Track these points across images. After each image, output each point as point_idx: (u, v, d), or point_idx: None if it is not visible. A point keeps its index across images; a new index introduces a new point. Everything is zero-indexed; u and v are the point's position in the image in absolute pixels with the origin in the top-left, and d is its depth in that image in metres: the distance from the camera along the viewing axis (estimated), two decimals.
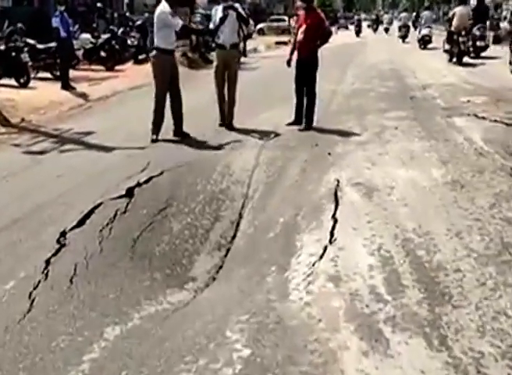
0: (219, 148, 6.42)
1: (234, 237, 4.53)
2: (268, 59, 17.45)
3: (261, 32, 33.15)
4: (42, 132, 7.72)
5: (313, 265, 3.29)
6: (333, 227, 3.81)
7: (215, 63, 7.35)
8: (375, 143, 6.11)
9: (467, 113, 7.37)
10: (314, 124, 7.26)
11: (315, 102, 7.17)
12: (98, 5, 20.66)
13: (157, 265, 3.74)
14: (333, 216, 4.01)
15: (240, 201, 5.07)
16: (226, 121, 7.39)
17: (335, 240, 3.58)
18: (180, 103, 6.98)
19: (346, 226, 3.77)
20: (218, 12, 7.11)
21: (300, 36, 7.05)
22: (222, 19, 6.97)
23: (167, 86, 6.82)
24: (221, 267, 4.03)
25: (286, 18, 39.62)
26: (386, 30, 34.04)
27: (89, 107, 10.02)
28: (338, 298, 2.83)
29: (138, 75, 14.64)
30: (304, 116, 7.21)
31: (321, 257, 3.36)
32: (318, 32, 6.95)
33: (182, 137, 6.92)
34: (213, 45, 7.20)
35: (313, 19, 6.94)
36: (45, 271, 3.35)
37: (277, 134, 6.92)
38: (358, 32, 33.95)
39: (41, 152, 6.51)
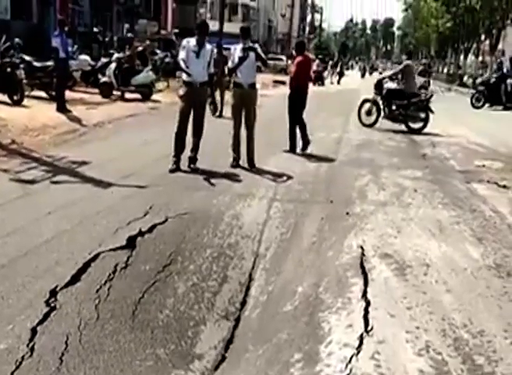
0: (227, 194, 5.95)
1: (244, 303, 4.03)
2: (267, 98, 17.13)
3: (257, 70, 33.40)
4: (34, 157, 7.18)
5: (349, 360, 2.79)
6: (366, 310, 3.32)
7: (231, 102, 7.08)
8: (396, 205, 5.69)
9: (486, 180, 7.03)
10: (326, 175, 7.07)
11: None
12: (95, 29, 20.37)
13: (160, 337, 3.21)
14: (364, 296, 3.53)
15: (251, 260, 4.57)
16: (248, 159, 7.25)
17: (371, 329, 3.08)
18: (199, 136, 6.97)
19: (381, 311, 3.28)
20: (237, 51, 7.06)
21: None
22: (242, 60, 6.88)
23: (187, 116, 6.82)
24: (230, 342, 3.53)
25: (283, 58, 40.23)
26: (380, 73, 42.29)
27: (84, 133, 9.52)
28: None
29: (136, 102, 14.26)
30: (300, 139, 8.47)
31: (358, 351, 2.86)
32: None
33: (193, 170, 6.91)
34: (231, 85, 7.08)
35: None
36: (31, 343, 2.78)
37: (289, 179, 6.62)
38: (363, 74, 46.65)
39: (32, 182, 5.96)
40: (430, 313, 3.24)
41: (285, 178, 6.81)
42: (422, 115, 11.30)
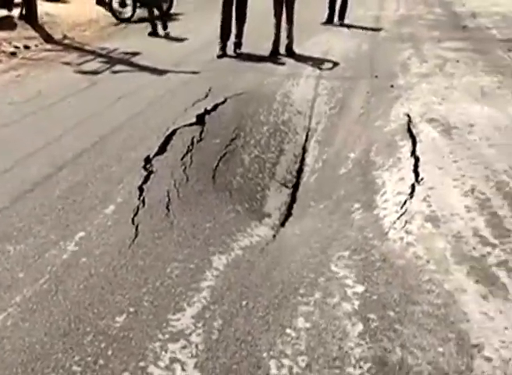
0: (275, 75, 6.30)
1: (301, 171, 4.56)
2: None
3: None
4: (88, 50, 7.57)
5: (404, 203, 3.32)
6: (416, 166, 3.79)
7: None
8: (439, 76, 5.95)
9: None
10: (368, 52, 7.29)
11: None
12: None
13: (236, 198, 3.79)
14: (413, 154, 3.99)
15: (303, 134, 5.05)
16: (287, 45, 7.34)
17: (421, 179, 3.57)
18: (243, 22, 7.17)
19: (430, 165, 3.75)
20: None
21: None
22: None
23: (231, 2, 7.02)
24: (293, 202, 4.09)
25: None
26: None
27: (125, 26, 9.73)
28: (441, 239, 2.88)
29: None
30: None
31: (410, 196, 3.38)
32: None
33: (238, 55, 7.22)
34: None
35: None
36: (141, 197, 3.41)
37: (332, 58, 6.85)
38: None
39: (94, 72, 6.42)
40: (475, 164, 3.69)
41: (327, 57, 7.05)
42: None
